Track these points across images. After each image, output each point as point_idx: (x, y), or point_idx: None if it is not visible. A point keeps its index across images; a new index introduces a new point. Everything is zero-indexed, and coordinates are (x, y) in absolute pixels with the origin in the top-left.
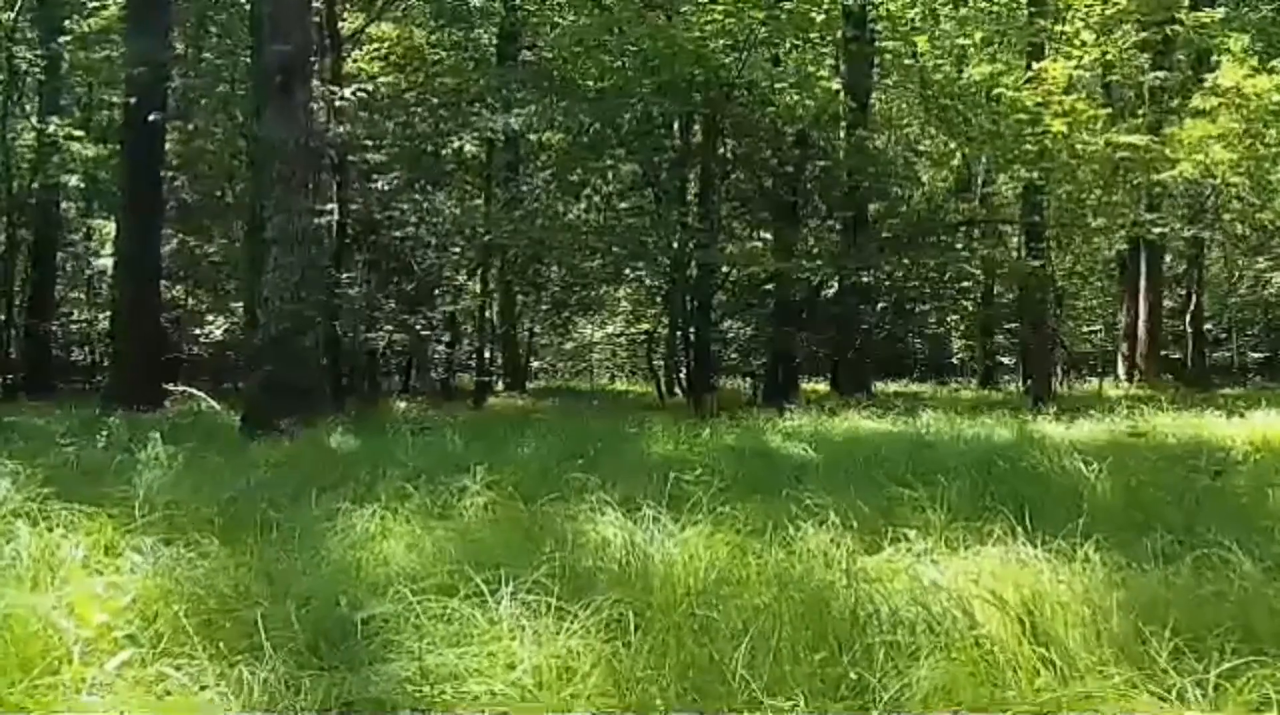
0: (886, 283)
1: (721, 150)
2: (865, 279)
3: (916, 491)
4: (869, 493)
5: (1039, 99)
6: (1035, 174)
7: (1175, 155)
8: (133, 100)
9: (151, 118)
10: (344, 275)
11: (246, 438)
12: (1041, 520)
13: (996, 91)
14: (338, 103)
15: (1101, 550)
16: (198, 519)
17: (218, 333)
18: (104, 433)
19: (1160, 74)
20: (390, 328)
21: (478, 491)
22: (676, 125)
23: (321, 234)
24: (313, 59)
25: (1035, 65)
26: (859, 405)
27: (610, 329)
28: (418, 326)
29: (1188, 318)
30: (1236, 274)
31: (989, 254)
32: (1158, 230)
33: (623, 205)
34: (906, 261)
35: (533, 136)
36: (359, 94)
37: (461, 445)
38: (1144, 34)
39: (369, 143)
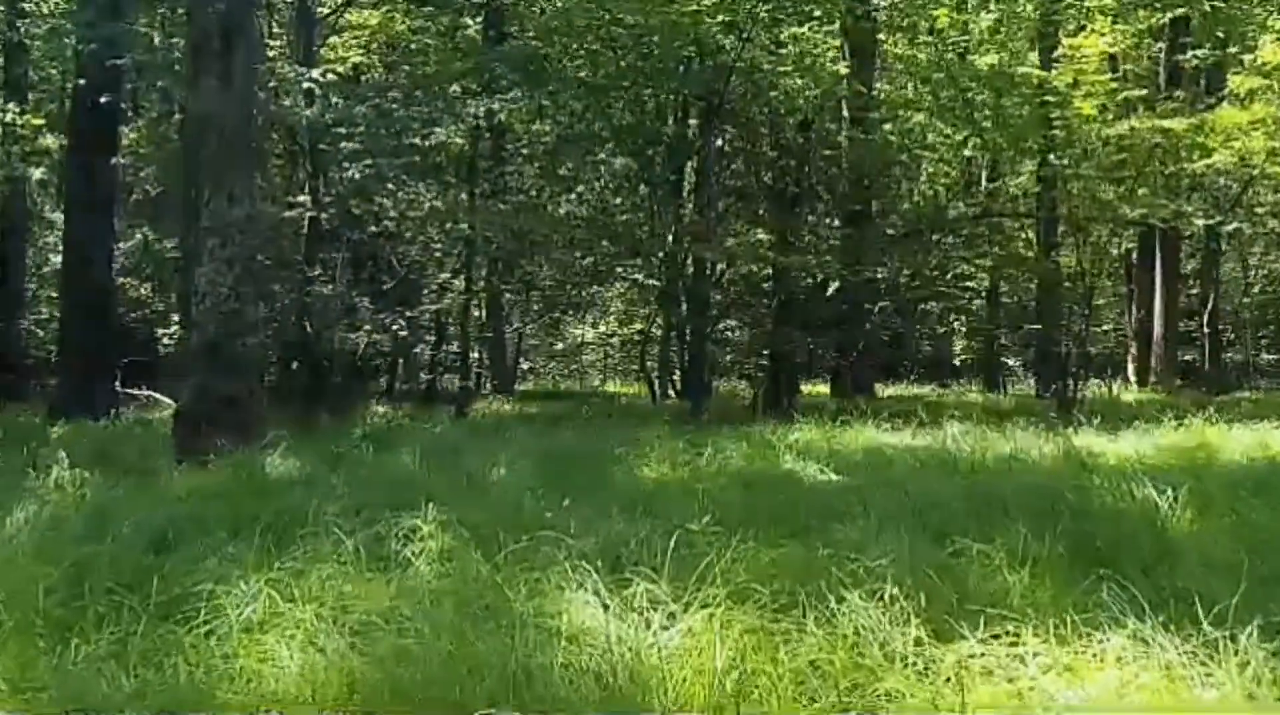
0: (898, 280)
1: (720, 143)
2: (880, 274)
3: (978, 537)
4: (916, 538)
5: (1069, 79)
6: (1065, 161)
7: (1210, 143)
8: (82, 81)
9: (103, 99)
10: (316, 272)
11: (178, 457)
12: (1151, 582)
13: (1024, 72)
14: (305, 84)
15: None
16: (23, 596)
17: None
18: None
19: (1199, 53)
20: (368, 328)
21: (429, 535)
22: (672, 118)
23: (298, 225)
24: (257, 16)
25: (1067, 41)
26: (871, 413)
27: (603, 329)
28: (394, 327)
29: (1205, 318)
30: (1253, 272)
31: (1007, 250)
32: (1200, 222)
33: (616, 201)
34: (917, 257)
35: (519, 127)
36: (328, 75)
37: (423, 469)
38: (1178, 10)
39: (342, 129)
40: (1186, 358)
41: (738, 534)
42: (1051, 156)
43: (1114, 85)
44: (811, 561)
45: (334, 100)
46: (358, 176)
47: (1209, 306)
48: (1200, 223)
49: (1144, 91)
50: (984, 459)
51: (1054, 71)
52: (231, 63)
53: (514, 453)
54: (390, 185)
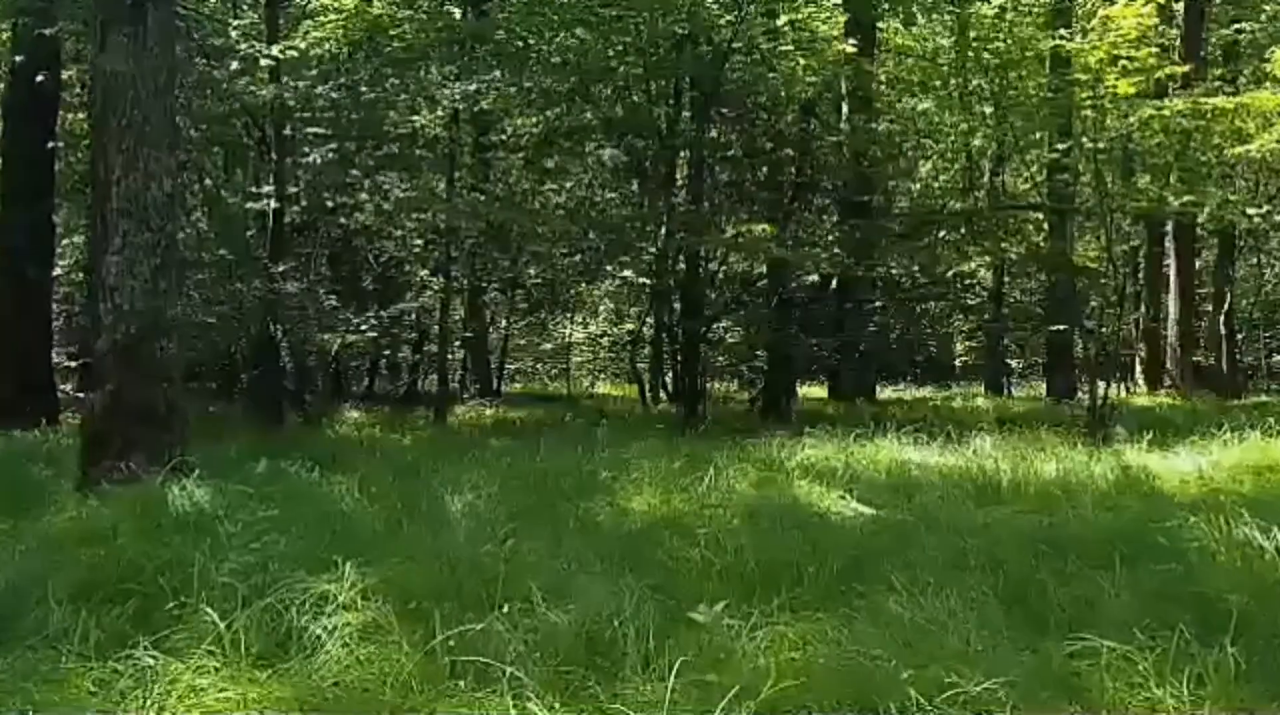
0: (903, 278)
1: (715, 134)
2: (892, 270)
3: (1074, 610)
4: (990, 608)
5: (1103, 54)
6: (1100, 144)
7: (1247, 127)
8: (19, 58)
9: (39, 78)
10: (283, 267)
11: (79, 483)
12: None
13: (1054, 44)
14: (264, 61)
15: None
16: None
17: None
18: None
19: (1246, 25)
20: (341, 329)
21: (345, 605)
22: (664, 106)
23: (264, 217)
24: None
25: (1102, 12)
26: (880, 421)
27: (592, 329)
28: (364, 327)
29: (1221, 317)
30: (1266, 270)
31: (1025, 244)
32: (1252, 212)
33: (605, 194)
34: (923, 252)
35: (502, 114)
36: (289, 52)
37: (368, 499)
38: None
39: (308, 114)
40: (1194, 358)
41: (756, 609)
42: (1085, 139)
43: (1153, 62)
44: (867, 667)
45: (301, 84)
46: (319, 162)
47: (1225, 306)
48: (1250, 213)
49: (1188, 67)
50: (1029, 482)
51: (1087, 43)
52: (145, 19)
53: (482, 474)
54: (356, 170)
